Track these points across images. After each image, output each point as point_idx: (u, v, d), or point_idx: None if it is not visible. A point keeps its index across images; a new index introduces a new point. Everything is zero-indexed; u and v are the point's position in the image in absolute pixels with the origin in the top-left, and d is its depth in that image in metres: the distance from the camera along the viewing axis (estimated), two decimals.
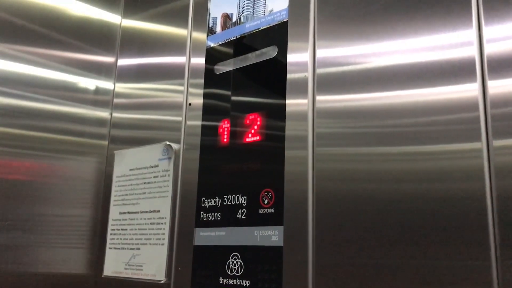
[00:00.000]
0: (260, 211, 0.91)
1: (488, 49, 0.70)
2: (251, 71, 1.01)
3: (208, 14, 1.14)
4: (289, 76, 0.93)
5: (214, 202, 1.00)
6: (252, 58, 1.01)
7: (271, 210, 0.89)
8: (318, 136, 0.86)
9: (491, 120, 0.68)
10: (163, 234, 1.09)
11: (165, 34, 1.28)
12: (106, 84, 1.37)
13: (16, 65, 1.20)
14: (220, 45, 1.10)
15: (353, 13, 0.87)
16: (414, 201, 0.72)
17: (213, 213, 1.00)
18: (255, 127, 0.97)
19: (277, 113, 0.93)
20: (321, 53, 0.89)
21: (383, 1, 0.83)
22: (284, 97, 0.92)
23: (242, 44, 1.05)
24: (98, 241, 1.27)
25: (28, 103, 1.21)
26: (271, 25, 0.99)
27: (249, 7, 1.05)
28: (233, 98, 1.03)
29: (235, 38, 1.07)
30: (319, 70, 0.89)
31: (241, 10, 1.07)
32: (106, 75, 1.37)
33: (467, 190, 0.68)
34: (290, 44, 0.94)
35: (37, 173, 1.21)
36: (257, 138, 0.96)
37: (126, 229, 1.20)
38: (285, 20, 0.97)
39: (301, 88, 0.90)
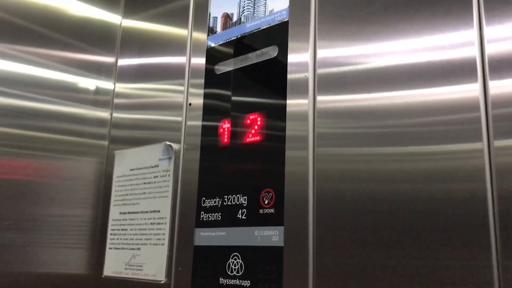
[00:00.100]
0: (261, 211, 0.91)
1: (489, 49, 0.70)
2: (251, 71, 1.01)
3: (208, 14, 1.14)
4: (289, 76, 0.93)
5: (215, 202, 1.00)
6: (253, 58, 1.01)
7: (272, 210, 0.89)
8: (318, 136, 0.86)
9: (492, 120, 0.68)
10: (163, 234, 1.09)
11: (165, 34, 1.28)
12: (106, 84, 1.37)
13: (16, 65, 1.20)
14: (221, 45, 1.10)
15: (353, 13, 0.87)
16: (415, 201, 0.72)
17: (213, 213, 0.99)
18: (256, 127, 0.97)
19: (278, 113, 0.93)
20: (322, 53, 0.89)
21: (384, 1, 0.83)
22: (284, 97, 0.92)
23: (243, 44, 1.05)
24: (98, 241, 1.27)
25: (28, 103, 1.21)
26: (272, 25, 0.99)
27: (249, 7, 1.05)
28: (234, 98, 1.03)
29: (235, 38, 1.07)
30: (319, 70, 0.89)
31: (241, 10, 1.07)
32: (106, 75, 1.37)
33: (468, 190, 0.68)
34: (290, 44, 0.94)
35: (37, 173, 1.21)
36: (258, 138, 0.96)
37: (126, 229, 1.20)
38: (285, 20, 0.97)
39: (301, 88, 0.90)
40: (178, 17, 1.23)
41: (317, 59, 0.90)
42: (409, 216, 0.72)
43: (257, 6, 1.03)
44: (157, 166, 1.16)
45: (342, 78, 0.86)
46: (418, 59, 0.77)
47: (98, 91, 1.36)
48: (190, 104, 1.12)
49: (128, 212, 1.20)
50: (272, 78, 0.96)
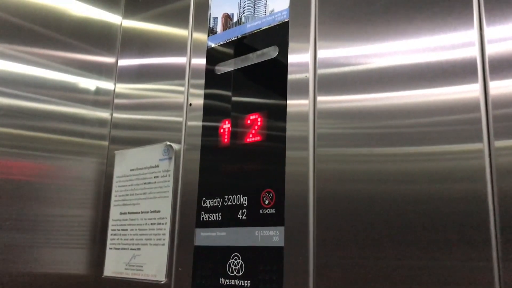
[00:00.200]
0: (261, 211, 0.91)
1: (490, 50, 0.70)
2: (252, 72, 1.01)
3: (208, 14, 1.14)
4: (290, 76, 0.93)
5: (215, 202, 1.00)
6: (253, 58, 1.01)
7: (272, 211, 0.89)
8: (319, 137, 0.86)
9: (493, 121, 0.68)
10: (164, 234, 1.09)
11: (165, 35, 1.28)
12: (107, 85, 1.37)
13: (16, 65, 1.20)
14: (221, 45, 1.10)
15: (354, 13, 0.87)
16: (415, 201, 0.72)
17: (213, 214, 0.99)
18: (256, 127, 0.97)
19: (278, 114, 0.93)
20: (322, 53, 0.89)
21: (384, 2, 0.83)
22: (285, 97, 0.92)
23: (243, 45, 1.05)
24: (98, 242, 1.27)
25: (28, 104, 1.21)
26: (272, 25, 0.99)
27: (250, 7, 1.05)
28: (234, 98, 1.03)
29: (236, 38, 1.07)
30: (320, 71, 0.89)
31: (242, 10, 1.07)
32: (107, 75, 1.37)
33: (469, 191, 0.68)
34: (291, 45, 0.94)
35: (37, 174, 1.21)
36: (258, 138, 0.96)
37: (126, 230, 1.20)
38: (286, 20, 0.97)
39: (302, 89, 0.90)
40: (178, 17, 1.23)
41: (317, 60, 0.90)
42: (409, 216, 0.72)
43: (258, 6, 1.04)
44: (157, 166, 1.16)
45: (342, 79, 0.86)
46: (418, 59, 0.77)
47: (98, 91, 1.36)
48: (190, 104, 1.12)
49: (129, 212, 1.20)
50: (273, 79, 0.96)
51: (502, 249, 0.64)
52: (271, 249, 0.88)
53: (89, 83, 1.34)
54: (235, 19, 1.08)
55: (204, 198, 1.02)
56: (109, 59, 1.39)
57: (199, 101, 1.10)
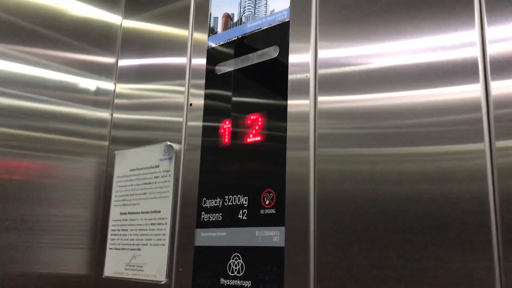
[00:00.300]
0: (262, 211, 0.91)
1: (491, 50, 0.70)
2: (252, 72, 1.01)
3: (209, 14, 1.14)
4: (290, 76, 0.93)
5: (215, 202, 1.00)
6: (254, 58, 1.01)
7: (273, 211, 0.89)
8: (319, 137, 0.86)
9: (494, 121, 0.68)
10: (164, 234, 1.09)
11: (166, 35, 1.28)
12: (107, 85, 1.37)
13: (16, 65, 1.20)
14: (221, 45, 1.10)
15: (354, 13, 0.87)
16: (416, 202, 0.72)
17: (214, 214, 0.99)
18: (256, 127, 0.97)
19: (279, 114, 0.93)
20: (323, 53, 0.89)
21: (385, 2, 0.83)
22: (285, 97, 0.92)
23: (243, 44, 1.05)
24: (98, 242, 1.27)
25: (28, 104, 1.21)
26: (273, 25, 0.99)
27: (250, 7, 1.05)
28: (234, 98, 1.03)
29: (236, 38, 1.06)
30: (320, 71, 0.89)
31: (242, 10, 1.07)
32: (107, 75, 1.37)
33: (470, 191, 0.67)
34: (291, 45, 0.94)
35: (37, 174, 1.21)
36: (258, 138, 0.96)
37: (126, 230, 1.19)
38: (286, 20, 0.97)
39: (302, 89, 0.90)
40: (178, 17, 1.23)
41: (318, 60, 0.90)
42: (410, 216, 0.72)
43: (258, 6, 1.03)
44: (157, 166, 1.16)
45: (343, 79, 0.85)
46: (419, 59, 0.77)
47: (98, 91, 1.36)
48: (191, 104, 1.12)
49: (129, 213, 1.20)
50: (273, 79, 0.96)
51: (503, 250, 0.64)
52: (272, 249, 0.87)
53: (89, 83, 1.34)
54: (235, 19, 1.08)
55: (204, 198, 1.02)
56: (109, 59, 1.39)
57: (199, 101, 1.10)
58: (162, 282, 1.06)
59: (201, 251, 1.00)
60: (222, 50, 1.09)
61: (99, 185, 1.31)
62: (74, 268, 1.24)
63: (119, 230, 1.22)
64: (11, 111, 1.17)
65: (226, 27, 1.10)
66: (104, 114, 1.35)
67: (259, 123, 0.96)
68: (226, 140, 1.02)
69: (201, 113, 1.09)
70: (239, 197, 0.96)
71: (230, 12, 1.10)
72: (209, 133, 1.06)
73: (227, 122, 1.03)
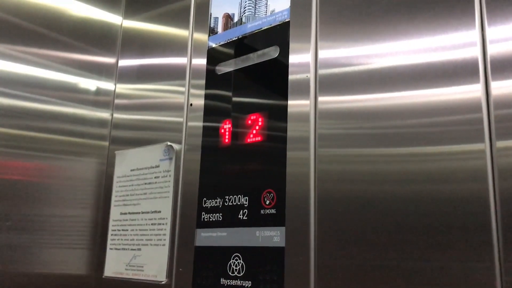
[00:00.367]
0: (262, 211, 0.91)
1: (491, 50, 0.70)
2: (252, 72, 1.01)
3: (209, 14, 1.14)
4: (290, 76, 0.93)
5: (216, 202, 1.00)
6: (254, 58, 1.01)
7: (273, 211, 0.89)
8: (320, 137, 0.86)
9: (494, 121, 0.67)
10: (164, 234, 1.09)
11: (166, 35, 1.28)
12: (107, 85, 1.37)
13: (16, 65, 1.20)
14: (222, 45, 1.09)
15: (355, 13, 0.87)
16: (416, 202, 0.72)
17: (214, 214, 0.99)
18: (257, 127, 0.97)
19: (279, 114, 0.93)
20: (323, 53, 0.89)
21: (386, 2, 0.83)
22: (286, 97, 0.92)
23: (244, 45, 1.05)
24: (98, 242, 1.27)
25: (28, 104, 1.21)
26: (273, 25, 0.99)
27: (250, 7, 1.05)
28: (235, 98, 1.03)
29: (236, 38, 1.06)
30: (321, 71, 0.89)
31: (242, 10, 1.07)
32: (107, 75, 1.37)
33: (470, 191, 0.67)
34: (292, 45, 0.94)
35: (37, 174, 1.21)
36: (259, 138, 0.96)
37: (127, 230, 1.19)
38: (287, 20, 0.97)
39: (303, 89, 0.90)
40: (179, 17, 1.23)
41: (318, 60, 0.90)
42: (410, 217, 0.72)
43: (258, 6, 1.03)
44: (158, 166, 1.16)
45: (343, 79, 0.85)
46: (420, 59, 0.77)
47: (98, 91, 1.36)
48: (191, 104, 1.12)
49: (129, 213, 1.20)
50: (273, 79, 0.96)
51: (504, 250, 0.64)
52: (272, 249, 0.87)
53: (89, 84, 1.34)
54: (235, 19, 1.08)
55: (204, 199, 1.02)
56: (109, 59, 1.39)
57: (199, 101, 1.10)
58: (163, 282, 1.06)
59: (202, 251, 1.00)
60: (222, 50, 1.09)
61: (99, 185, 1.30)
62: (74, 268, 1.24)
63: (119, 230, 1.22)
64: (11, 111, 1.17)
65: (226, 27, 1.10)
66: (104, 114, 1.35)
67: (260, 123, 0.96)
68: (227, 140, 1.02)
69: (202, 113, 1.09)
70: (239, 197, 0.96)
71: (230, 12, 1.10)
72: (210, 133, 1.06)
73: (227, 122, 1.03)
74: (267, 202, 0.90)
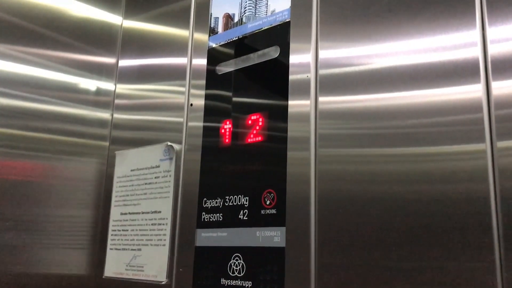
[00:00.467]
0: (262, 212, 0.91)
1: (492, 50, 0.70)
2: (253, 72, 1.01)
3: (209, 14, 1.14)
4: (291, 77, 0.93)
5: (216, 203, 1.00)
6: (254, 58, 1.01)
7: (273, 211, 0.89)
8: (320, 137, 0.86)
9: (495, 121, 0.67)
10: (164, 235, 1.09)
11: (166, 35, 1.28)
12: (107, 85, 1.37)
13: (16, 65, 1.20)
14: (222, 45, 1.09)
15: (355, 13, 0.87)
16: (417, 202, 0.72)
17: (214, 214, 0.99)
18: (257, 127, 0.97)
19: (279, 114, 0.93)
20: (324, 53, 0.89)
21: (386, 2, 0.83)
22: (286, 98, 0.92)
23: (244, 45, 1.05)
24: (99, 242, 1.27)
25: (29, 104, 1.21)
26: (273, 25, 0.99)
27: (251, 7, 1.05)
28: (235, 98, 1.03)
29: (237, 38, 1.06)
30: (321, 71, 0.89)
31: (243, 10, 1.07)
32: (107, 76, 1.37)
33: (471, 191, 0.67)
34: (292, 45, 0.94)
35: (38, 174, 1.21)
36: (259, 139, 0.96)
37: (127, 230, 1.19)
38: (287, 20, 0.97)
39: (303, 89, 0.90)
40: (179, 17, 1.23)
41: (319, 60, 0.90)
42: (411, 217, 0.72)
43: (259, 6, 1.03)
44: (158, 166, 1.16)
45: (344, 79, 0.85)
46: (420, 59, 0.77)
47: (99, 92, 1.36)
48: (191, 104, 1.12)
49: (129, 213, 1.20)
50: (274, 79, 0.96)
51: (505, 250, 0.63)
52: (273, 249, 0.87)
53: (89, 84, 1.34)
54: (236, 19, 1.08)
55: (205, 199, 1.02)
56: (109, 60, 1.39)
57: (200, 102, 1.10)
58: (163, 283, 1.06)
59: (202, 251, 1.00)
60: (222, 50, 1.09)
61: (99, 186, 1.30)
62: (74, 268, 1.24)
63: (119, 230, 1.22)
64: (11, 111, 1.17)
65: (226, 27, 1.10)
66: (105, 115, 1.35)
67: (260, 124, 0.96)
68: (227, 141, 1.02)
69: (202, 113, 1.09)
70: (239, 197, 0.96)
71: (230, 12, 1.10)
72: (210, 133, 1.06)
73: (227, 123, 1.03)
74: (268, 202, 0.90)
